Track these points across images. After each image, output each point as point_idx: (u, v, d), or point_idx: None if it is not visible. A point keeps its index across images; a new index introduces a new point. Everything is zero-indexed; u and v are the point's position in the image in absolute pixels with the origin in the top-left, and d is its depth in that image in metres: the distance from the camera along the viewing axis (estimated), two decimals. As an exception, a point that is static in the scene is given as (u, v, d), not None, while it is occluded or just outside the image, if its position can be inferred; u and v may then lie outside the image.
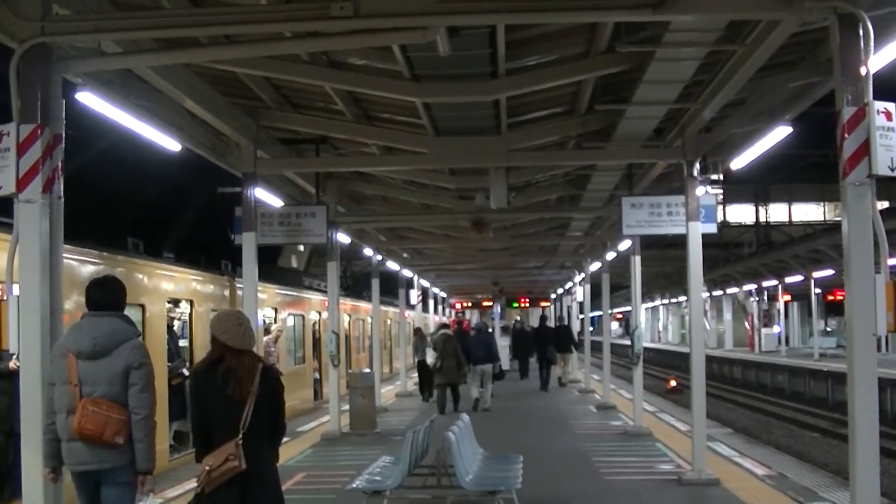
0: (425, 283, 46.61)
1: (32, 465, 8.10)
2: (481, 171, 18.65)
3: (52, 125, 8.44)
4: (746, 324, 65.72)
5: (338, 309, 21.58)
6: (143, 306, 15.61)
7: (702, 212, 14.76)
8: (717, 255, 58.61)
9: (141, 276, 16.04)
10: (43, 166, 8.24)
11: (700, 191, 15.24)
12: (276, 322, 24.37)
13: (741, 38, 11.00)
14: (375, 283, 29.89)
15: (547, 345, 34.30)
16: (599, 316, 41.43)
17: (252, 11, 9.59)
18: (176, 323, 18.58)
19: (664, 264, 58.72)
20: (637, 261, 20.46)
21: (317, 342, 29.27)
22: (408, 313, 40.58)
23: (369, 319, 34.98)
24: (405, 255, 35.10)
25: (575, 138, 17.11)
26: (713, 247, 52.96)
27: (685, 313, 70.57)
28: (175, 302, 18.20)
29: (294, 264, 41.89)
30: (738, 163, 16.10)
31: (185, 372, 17.26)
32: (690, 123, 14.27)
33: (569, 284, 46.27)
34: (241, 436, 6.99)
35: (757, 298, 60.59)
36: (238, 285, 20.07)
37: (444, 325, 30.84)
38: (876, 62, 8.66)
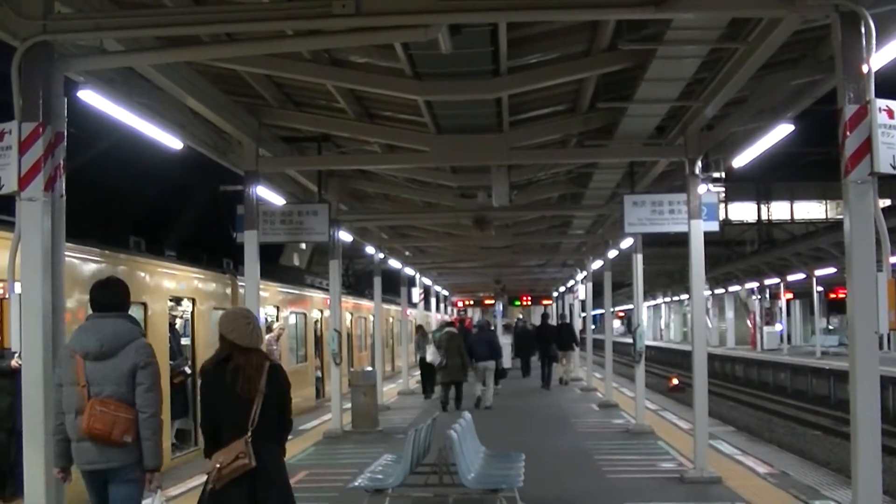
0: (427, 282, 46.60)
1: (34, 464, 8.11)
2: (483, 169, 18.65)
3: (54, 123, 8.44)
4: (748, 322, 65.70)
5: (340, 307, 21.58)
6: (144, 305, 15.62)
7: (704, 210, 14.74)
8: (719, 253, 58.60)
9: (143, 274, 16.04)
10: (45, 164, 8.24)
11: (702, 189, 15.23)
12: (277, 320, 24.38)
13: (743, 36, 11.00)
14: (377, 282, 29.89)
15: (549, 343, 34.33)
16: (601, 314, 41.45)
17: (254, 9, 9.59)
18: (178, 321, 18.58)
19: (666, 262, 58.70)
20: (639, 259, 20.45)
21: (319, 340, 29.28)
22: (410, 311, 40.57)
23: (371, 318, 34.99)
24: (407, 253, 35.09)
25: (577, 136, 17.11)
26: (715, 245, 52.97)
27: (687, 311, 70.50)
28: (177, 300, 18.20)
29: (296, 262, 41.91)
30: (740, 161, 16.09)
31: (187, 370, 17.28)
32: (692, 121, 14.27)
33: (571, 282, 46.25)
34: (250, 433, 7.11)
35: (759, 296, 60.55)
36: (240, 283, 20.09)
37: (448, 323, 30.86)
38: (878, 60, 8.64)
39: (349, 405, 21.45)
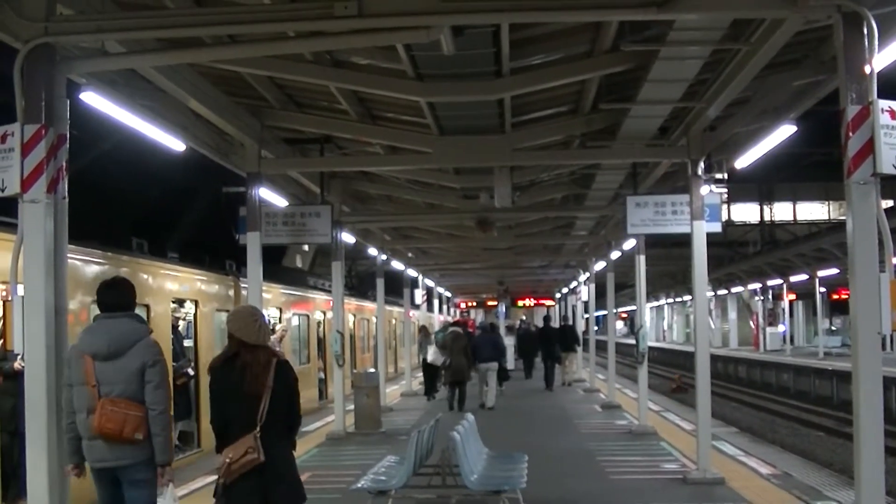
0: (430, 283, 46.58)
1: (37, 465, 8.11)
2: (486, 170, 18.66)
3: (57, 125, 8.43)
4: (751, 323, 65.65)
5: (343, 308, 21.58)
6: (147, 307, 15.62)
7: (706, 211, 14.75)
8: (722, 254, 58.66)
9: (145, 276, 16.05)
10: (47, 166, 8.23)
11: (704, 190, 15.24)
12: (280, 322, 24.37)
13: (745, 37, 10.99)
14: (380, 283, 29.89)
15: (552, 344, 34.35)
16: (604, 315, 41.43)
17: (255, 11, 9.59)
18: (181, 323, 18.59)
19: (669, 263, 58.72)
20: (642, 260, 20.43)
21: (321, 342, 29.28)
22: (413, 313, 40.56)
23: (374, 319, 34.98)
24: (410, 254, 35.09)
25: (579, 137, 17.11)
26: (718, 246, 53.04)
27: (690, 312, 70.49)
28: (180, 302, 18.20)
29: (299, 264, 41.90)
30: (743, 161, 16.08)
31: (190, 372, 17.28)
32: (695, 122, 14.26)
33: (574, 284, 46.24)
34: (258, 429, 7.28)
35: (762, 297, 60.50)
36: (243, 285, 20.09)
37: (453, 324, 30.87)
38: (880, 61, 8.62)
39: (352, 407, 21.44)
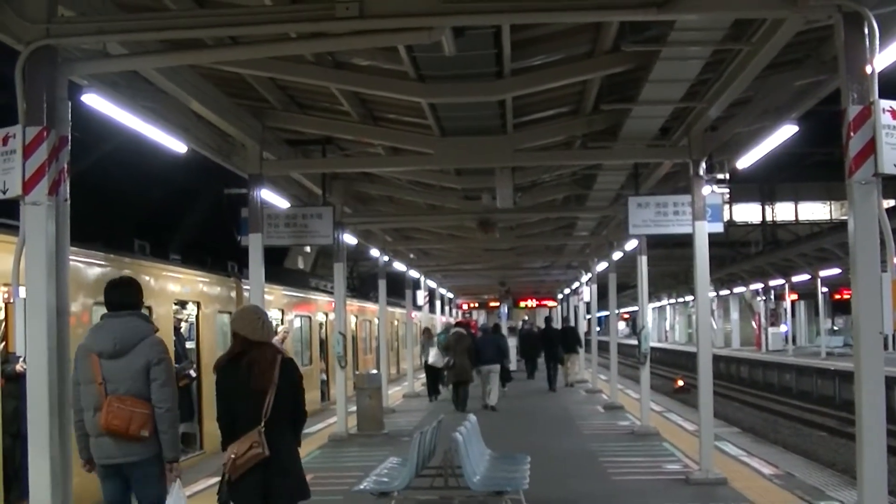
0: (432, 284, 46.57)
1: (39, 467, 8.11)
2: (487, 171, 18.67)
3: (58, 127, 8.42)
4: (753, 323, 65.66)
5: (345, 310, 21.59)
6: (149, 308, 15.60)
7: (708, 211, 14.76)
8: (724, 254, 58.65)
9: (147, 277, 16.03)
10: (49, 168, 8.22)
11: (706, 190, 15.24)
12: (282, 323, 24.36)
13: (746, 37, 10.99)
14: (382, 284, 29.89)
15: (554, 345, 34.39)
16: (606, 316, 41.42)
17: (257, 12, 9.58)
18: (183, 325, 18.58)
19: (671, 264, 58.73)
20: (643, 260, 20.43)
21: (324, 343, 29.28)
22: (415, 314, 40.56)
23: (376, 320, 34.99)
24: (412, 255, 35.10)
25: (581, 138, 17.11)
26: (720, 246, 53.04)
27: (692, 313, 70.52)
28: (182, 304, 18.20)
29: (301, 265, 41.87)
30: (745, 162, 16.07)
31: (192, 374, 17.26)
32: (696, 122, 14.26)
33: (575, 284, 46.24)
34: (263, 424, 7.42)
35: (764, 297, 60.50)
36: (245, 287, 20.08)
37: (456, 325, 30.89)
38: (881, 60, 8.62)
39: (354, 408, 21.45)
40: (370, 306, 37.99)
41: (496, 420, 22.64)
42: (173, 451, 8.14)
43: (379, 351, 30.87)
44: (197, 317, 18.50)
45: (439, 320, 50.16)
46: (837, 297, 56.59)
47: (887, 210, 8.65)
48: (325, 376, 29.06)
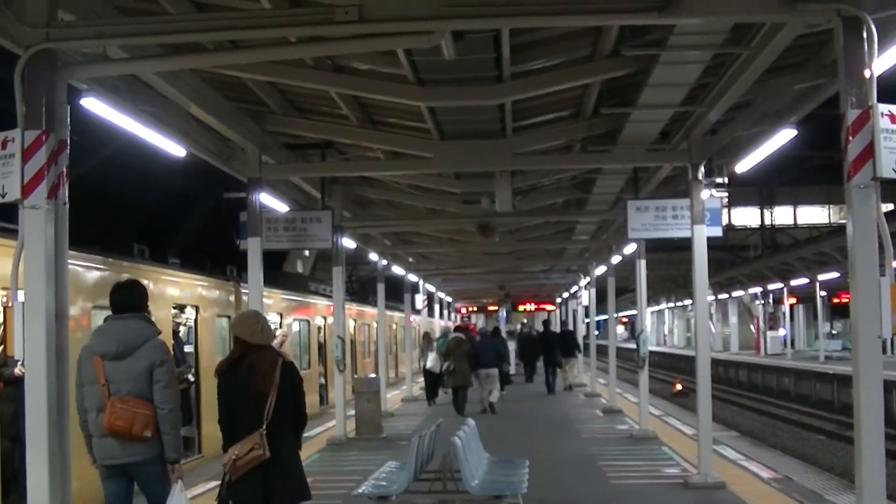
0: (431, 288, 46.57)
1: (38, 471, 8.10)
2: (487, 175, 18.67)
3: (57, 131, 8.43)
4: (752, 327, 65.69)
5: (343, 314, 21.58)
6: (148, 311, 15.56)
7: (707, 215, 14.77)
8: (723, 258, 58.64)
9: (146, 281, 15.99)
10: (48, 172, 8.22)
11: (705, 194, 15.25)
12: (281, 327, 24.35)
13: (746, 41, 11.01)
14: (381, 288, 29.89)
15: (553, 349, 34.40)
16: (605, 319, 41.43)
17: (257, 16, 9.59)
18: (181, 329, 18.57)
19: (670, 267, 58.70)
20: (642, 264, 20.43)
21: (322, 347, 29.27)
22: (413, 318, 40.57)
23: (375, 324, 34.99)
24: (411, 259, 35.10)
25: (580, 142, 17.09)
26: (718, 250, 53.03)
27: (691, 317, 70.50)
28: (181, 308, 18.19)
29: (300, 269, 41.90)
30: (744, 165, 16.06)
31: (191, 378, 17.25)
32: (696, 126, 14.27)
33: (574, 288, 46.24)
34: (264, 426, 7.55)
35: (762, 301, 60.55)
36: (243, 290, 20.08)
37: (455, 329, 30.90)
38: (880, 65, 8.63)
39: (353, 412, 21.43)
40: (369, 310, 38.00)
41: (495, 424, 22.63)
42: (175, 451, 8.28)
43: (377, 355, 30.87)
44: (196, 320, 18.49)
45: (438, 324, 50.15)
46: (836, 300, 56.71)
47: (886, 214, 8.65)
48: (323, 380, 29.08)
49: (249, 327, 7.92)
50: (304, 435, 8.39)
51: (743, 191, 58.55)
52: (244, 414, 7.63)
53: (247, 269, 15.23)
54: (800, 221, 65.27)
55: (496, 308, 56.30)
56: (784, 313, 58.77)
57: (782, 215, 66.02)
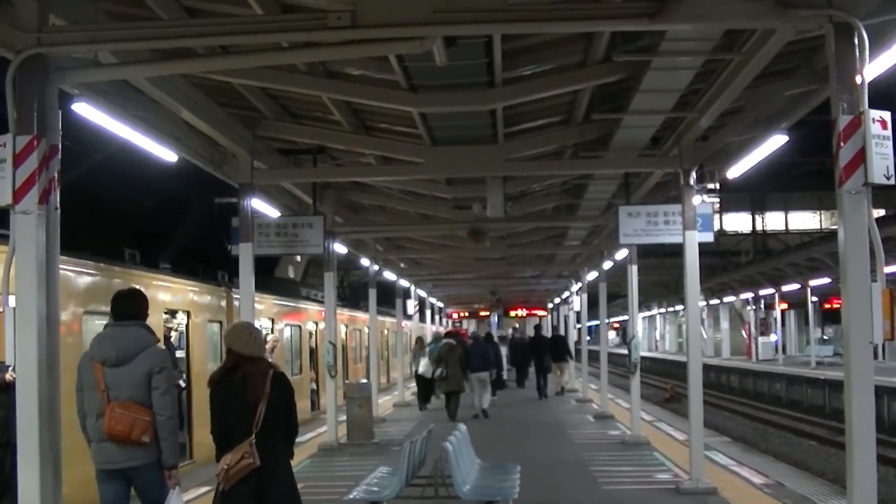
0: (422, 293, 46.58)
1: (29, 476, 8.09)
2: (478, 180, 18.69)
3: (49, 136, 8.41)
4: (743, 332, 65.76)
5: (335, 319, 21.57)
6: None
7: (698, 220, 14.78)
8: (715, 263, 58.67)
9: (137, 287, 16.00)
10: (39, 177, 8.21)
11: (697, 199, 15.26)
12: (272, 332, 24.32)
13: (738, 47, 11.03)
14: (373, 293, 29.88)
15: (544, 354, 34.43)
16: (597, 325, 41.43)
17: (248, 22, 9.59)
18: (173, 334, 18.54)
19: (661, 273, 58.77)
20: (634, 270, 20.44)
21: (314, 353, 29.25)
22: (406, 323, 40.58)
23: (366, 330, 34.97)
24: (402, 265, 35.08)
25: (572, 147, 17.12)
26: (710, 255, 53.10)
27: (682, 322, 70.56)
28: (172, 313, 18.16)
29: (291, 275, 41.88)
30: (735, 171, 16.10)
31: (182, 384, 17.21)
32: (687, 132, 14.29)
33: (566, 294, 46.26)
34: (254, 435, 7.62)
35: (754, 307, 60.62)
36: (235, 296, 20.06)
37: (447, 335, 30.88)
38: (871, 70, 8.65)
39: (344, 417, 21.41)
40: (361, 315, 37.99)
41: (486, 429, 22.63)
42: (173, 457, 8.40)
43: (369, 360, 30.84)
44: (187, 326, 18.46)
45: (429, 330, 50.16)
46: (827, 306, 56.76)
47: (877, 219, 8.66)
48: (314, 385, 29.04)
49: (242, 339, 7.99)
50: (296, 440, 8.39)
51: (734, 196, 58.62)
52: (235, 423, 7.70)
53: (238, 275, 15.22)
54: (791, 227, 65.38)
55: (488, 313, 56.28)
56: (775, 319, 58.81)
57: (774, 221, 66.13)
